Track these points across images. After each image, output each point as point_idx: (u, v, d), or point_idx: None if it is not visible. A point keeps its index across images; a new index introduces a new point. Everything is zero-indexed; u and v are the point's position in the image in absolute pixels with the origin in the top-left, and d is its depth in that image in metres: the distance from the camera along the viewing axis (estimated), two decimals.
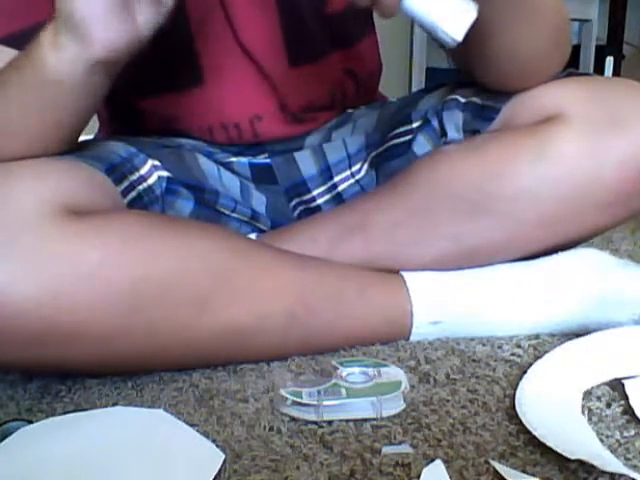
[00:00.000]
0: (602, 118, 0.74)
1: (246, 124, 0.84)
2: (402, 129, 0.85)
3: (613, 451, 0.57)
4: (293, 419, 0.63)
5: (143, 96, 0.83)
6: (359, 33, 0.89)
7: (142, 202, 0.75)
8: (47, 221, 0.62)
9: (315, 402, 0.62)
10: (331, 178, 0.88)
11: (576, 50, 2.58)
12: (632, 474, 0.52)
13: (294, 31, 0.81)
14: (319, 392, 0.64)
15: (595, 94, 0.75)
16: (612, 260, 0.80)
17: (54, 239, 0.62)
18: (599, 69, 2.56)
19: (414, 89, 2.79)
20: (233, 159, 0.87)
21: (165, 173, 0.79)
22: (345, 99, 0.90)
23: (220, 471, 0.55)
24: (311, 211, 0.88)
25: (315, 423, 0.62)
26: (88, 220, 0.64)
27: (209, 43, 0.79)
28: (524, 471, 0.55)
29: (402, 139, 0.85)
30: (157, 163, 0.79)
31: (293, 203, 0.89)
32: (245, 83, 0.82)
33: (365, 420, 0.62)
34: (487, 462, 0.56)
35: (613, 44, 2.60)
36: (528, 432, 0.58)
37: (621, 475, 0.53)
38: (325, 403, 0.62)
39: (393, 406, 0.64)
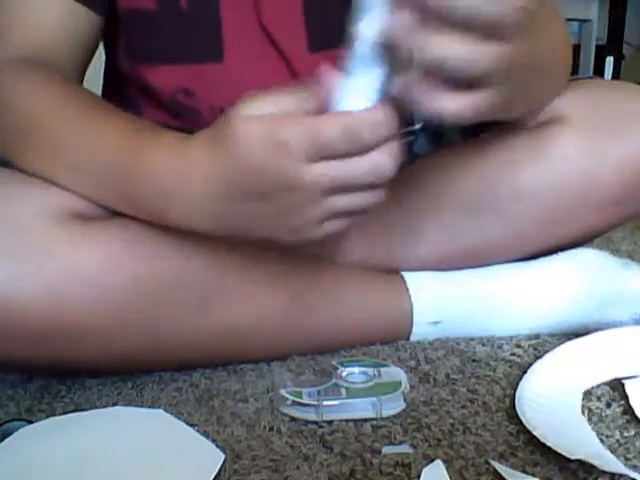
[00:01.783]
0: (602, 120, 0.74)
1: None
2: (404, 130, 0.85)
3: (613, 451, 0.57)
4: (293, 419, 0.63)
5: (158, 62, 0.79)
6: None
7: None
8: (51, 222, 0.62)
9: (315, 402, 0.62)
10: None
11: (576, 50, 2.58)
12: (632, 474, 0.52)
13: (315, 17, 0.80)
14: (319, 392, 0.64)
15: (595, 97, 0.75)
16: (612, 260, 0.80)
17: (57, 240, 0.62)
18: (599, 69, 2.56)
19: None
20: None
21: None
22: None
23: (220, 471, 0.55)
24: None
25: (315, 423, 0.62)
26: (91, 222, 0.64)
27: (233, 20, 0.78)
28: (524, 471, 0.55)
29: (403, 140, 0.85)
30: None
31: None
32: (263, 65, 0.81)
33: (365, 420, 0.62)
34: (487, 462, 0.56)
35: (613, 44, 2.60)
36: (528, 432, 0.58)
37: (621, 475, 0.53)
38: (325, 403, 0.62)
39: (393, 406, 0.63)
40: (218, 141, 0.57)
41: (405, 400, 0.64)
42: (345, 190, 0.56)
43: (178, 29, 0.76)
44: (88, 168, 0.65)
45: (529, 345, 0.76)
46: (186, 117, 0.80)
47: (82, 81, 0.78)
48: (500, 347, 0.75)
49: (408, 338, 0.77)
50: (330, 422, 0.62)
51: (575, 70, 2.51)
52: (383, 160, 0.55)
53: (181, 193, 0.60)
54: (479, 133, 0.80)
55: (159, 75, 0.79)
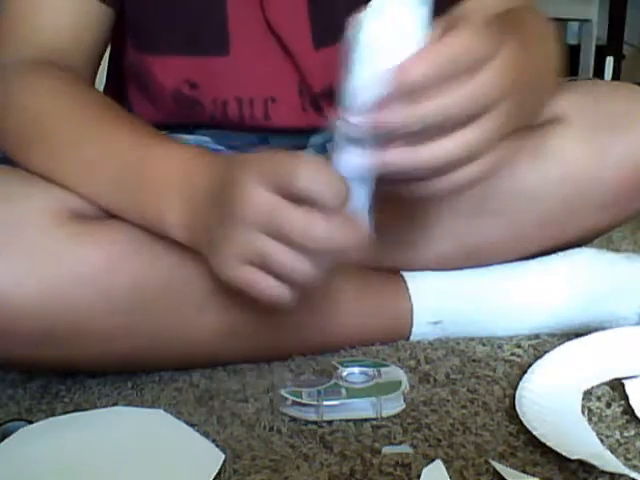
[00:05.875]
0: (601, 120, 0.74)
1: (260, 102, 0.82)
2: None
3: (613, 451, 0.57)
4: (293, 419, 0.63)
5: (164, 53, 0.79)
6: None
7: None
8: (52, 222, 0.62)
9: (315, 402, 0.62)
10: None
11: (576, 50, 2.58)
12: (632, 474, 0.52)
13: (320, 13, 0.80)
14: (319, 392, 0.64)
15: (595, 97, 0.75)
16: (613, 256, 0.80)
17: (57, 239, 0.62)
18: (599, 69, 2.56)
19: None
20: None
21: None
22: None
23: (220, 471, 0.55)
24: None
25: (315, 423, 0.62)
26: (92, 222, 0.64)
27: (239, 14, 0.78)
28: (524, 471, 0.55)
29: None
30: None
31: None
32: (268, 60, 0.81)
33: (365, 420, 0.62)
34: (487, 462, 0.56)
35: (613, 44, 2.60)
36: (528, 432, 0.58)
37: (621, 475, 0.53)
38: (325, 403, 0.62)
39: (393, 406, 0.63)
40: (223, 197, 0.56)
41: (405, 400, 0.64)
42: (280, 241, 0.54)
43: (185, 21, 0.77)
44: (99, 167, 0.65)
45: (529, 345, 0.76)
46: (188, 110, 0.80)
47: (95, 76, 0.78)
48: (500, 347, 0.75)
49: (408, 338, 0.77)
50: (330, 422, 0.62)
51: (575, 70, 2.51)
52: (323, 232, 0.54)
53: (177, 199, 0.60)
54: None
55: (164, 66, 0.79)
